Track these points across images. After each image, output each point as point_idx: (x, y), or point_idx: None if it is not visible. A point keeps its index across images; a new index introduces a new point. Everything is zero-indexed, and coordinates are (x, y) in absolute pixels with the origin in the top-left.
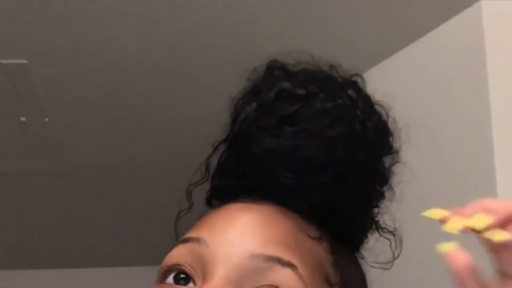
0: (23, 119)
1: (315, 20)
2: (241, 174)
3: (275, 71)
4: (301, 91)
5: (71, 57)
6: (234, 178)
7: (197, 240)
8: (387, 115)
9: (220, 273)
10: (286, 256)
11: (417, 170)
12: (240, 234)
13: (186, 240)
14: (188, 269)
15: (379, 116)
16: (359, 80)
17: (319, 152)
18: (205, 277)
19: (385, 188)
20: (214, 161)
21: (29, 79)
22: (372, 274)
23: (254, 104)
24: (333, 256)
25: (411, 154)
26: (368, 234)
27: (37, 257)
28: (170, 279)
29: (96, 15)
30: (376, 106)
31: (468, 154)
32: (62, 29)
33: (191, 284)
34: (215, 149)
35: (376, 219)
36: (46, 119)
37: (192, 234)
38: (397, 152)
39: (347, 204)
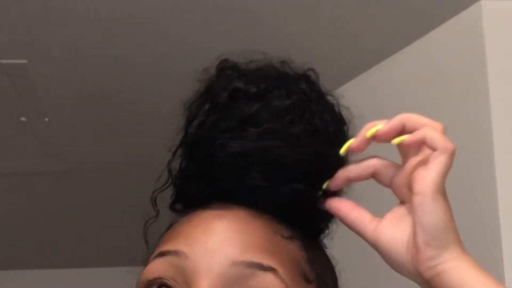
0: (23, 119)
1: (315, 20)
2: (207, 178)
3: (226, 71)
4: (255, 90)
5: (71, 57)
6: (200, 183)
7: (175, 252)
8: (339, 105)
9: (204, 284)
10: (266, 261)
11: None
12: (219, 243)
13: (163, 253)
14: (170, 282)
15: (333, 107)
16: (311, 73)
17: (285, 151)
18: None
19: None
20: (176, 165)
21: (29, 79)
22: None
23: (208, 106)
24: (307, 253)
25: None
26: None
27: (37, 257)
28: None
29: (96, 15)
30: (328, 97)
31: (468, 154)
32: (62, 29)
33: None
34: (174, 154)
35: None
36: (46, 119)
37: (168, 246)
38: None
39: (315, 199)
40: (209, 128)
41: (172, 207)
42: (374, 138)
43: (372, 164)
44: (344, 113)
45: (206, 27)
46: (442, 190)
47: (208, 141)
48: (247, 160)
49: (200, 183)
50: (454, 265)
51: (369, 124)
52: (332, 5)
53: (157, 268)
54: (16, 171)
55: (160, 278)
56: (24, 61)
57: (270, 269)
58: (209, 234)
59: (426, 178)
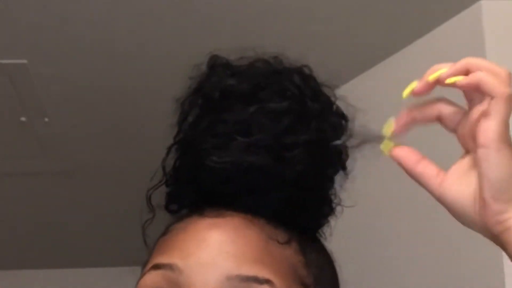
0: (23, 119)
1: (315, 21)
2: (197, 182)
3: (217, 68)
4: (247, 88)
5: (71, 57)
6: (191, 185)
7: (169, 266)
8: (335, 96)
9: None
10: (261, 273)
11: None
12: (213, 257)
13: (158, 267)
14: None
15: (329, 100)
16: (304, 68)
17: (273, 166)
18: None
19: (340, 170)
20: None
21: (29, 79)
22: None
23: (200, 105)
24: (304, 256)
25: None
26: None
27: (37, 257)
28: None
29: (96, 15)
30: (323, 88)
31: None
32: (62, 29)
33: None
34: (168, 152)
35: (332, 200)
36: (46, 119)
37: (162, 259)
38: (349, 130)
39: (310, 199)
40: (201, 130)
41: (167, 208)
42: (438, 82)
43: (437, 107)
44: (341, 105)
45: (206, 28)
46: (506, 140)
47: (198, 144)
48: (232, 172)
49: (191, 186)
50: None
51: (434, 67)
52: (331, 5)
53: (152, 281)
54: (16, 171)
55: None
56: (24, 61)
57: (266, 282)
58: (203, 247)
59: (489, 129)
